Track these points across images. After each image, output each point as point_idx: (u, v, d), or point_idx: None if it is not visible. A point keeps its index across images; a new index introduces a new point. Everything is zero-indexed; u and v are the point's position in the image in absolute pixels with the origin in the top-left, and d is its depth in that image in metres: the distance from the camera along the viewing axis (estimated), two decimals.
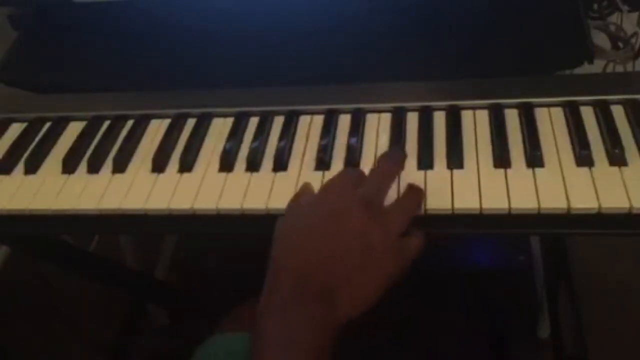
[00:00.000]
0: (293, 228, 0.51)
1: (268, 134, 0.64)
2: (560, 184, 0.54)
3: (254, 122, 0.66)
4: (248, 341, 0.66)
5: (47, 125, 0.70)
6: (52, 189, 0.62)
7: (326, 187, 0.54)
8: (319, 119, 0.65)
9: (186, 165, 0.62)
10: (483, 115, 0.62)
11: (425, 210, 0.54)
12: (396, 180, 0.57)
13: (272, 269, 0.50)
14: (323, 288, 0.48)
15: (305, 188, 0.57)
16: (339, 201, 0.51)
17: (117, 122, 0.69)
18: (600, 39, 0.74)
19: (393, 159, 0.57)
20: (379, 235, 0.49)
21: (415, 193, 0.54)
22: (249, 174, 0.61)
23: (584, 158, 0.56)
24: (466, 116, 0.62)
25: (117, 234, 1.21)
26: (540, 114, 0.61)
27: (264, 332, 0.47)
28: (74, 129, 0.69)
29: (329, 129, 0.63)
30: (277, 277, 0.49)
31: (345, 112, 0.65)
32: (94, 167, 0.64)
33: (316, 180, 0.58)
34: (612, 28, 0.75)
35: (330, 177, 0.58)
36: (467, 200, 0.54)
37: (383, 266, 0.49)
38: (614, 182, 0.54)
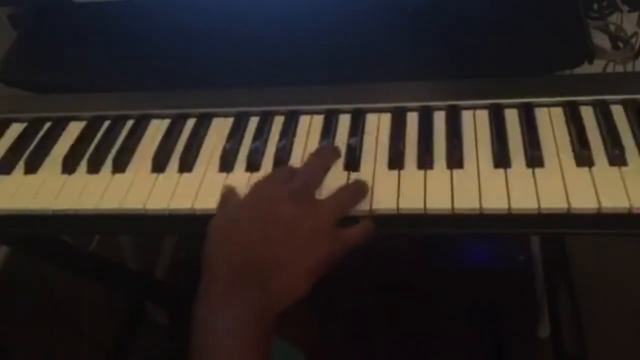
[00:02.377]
0: (224, 224, 0.53)
1: (268, 134, 0.64)
2: (560, 184, 0.54)
3: (254, 122, 0.66)
4: None
5: (47, 125, 0.70)
6: (52, 189, 0.62)
7: (255, 184, 0.56)
8: (319, 119, 0.65)
9: (186, 165, 0.62)
10: (483, 115, 0.62)
11: (425, 210, 0.54)
12: (397, 178, 0.57)
13: (206, 266, 0.51)
14: (257, 276, 0.49)
15: (230, 189, 0.58)
16: (267, 194, 0.53)
17: (117, 122, 0.69)
18: (600, 39, 0.74)
19: (320, 155, 0.59)
20: (309, 221, 0.51)
21: (354, 186, 0.56)
22: (248, 174, 0.60)
23: (584, 158, 0.56)
24: (466, 116, 0.62)
25: (117, 234, 1.21)
26: (540, 114, 0.61)
27: (202, 324, 0.48)
28: (74, 129, 0.69)
29: (329, 129, 0.63)
30: (211, 272, 0.50)
31: (345, 112, 0.65)
32: (94, 167, 0.64)
33: None
34: (612, 28, 0.75)
35: (331, 176, 0.58)
36: (466, 200, 0.54)
37: (315, 250, 0.51)
38: (614, 182, 0.54)
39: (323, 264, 0.51)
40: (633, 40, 0.75)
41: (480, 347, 1.18)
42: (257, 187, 0.55)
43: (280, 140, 0.63)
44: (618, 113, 0.60)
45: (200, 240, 0.53)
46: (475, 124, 0.61)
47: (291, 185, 0.54)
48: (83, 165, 0.64)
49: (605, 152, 0.56)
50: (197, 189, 0.59)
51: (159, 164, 0.63)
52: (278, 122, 0.65)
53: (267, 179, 0.56)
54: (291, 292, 0.50)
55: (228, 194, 0.57)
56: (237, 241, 0.51)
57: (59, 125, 0.70)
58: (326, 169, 0.58)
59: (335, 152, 0.60)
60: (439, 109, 0.63)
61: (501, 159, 0.57)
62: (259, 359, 0.47)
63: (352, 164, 0.59)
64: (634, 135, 0.58)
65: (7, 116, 0.72)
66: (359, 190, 0.56)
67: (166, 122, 0.68)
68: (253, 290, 0.49)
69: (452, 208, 0.54)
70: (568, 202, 0.52)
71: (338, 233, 0.52)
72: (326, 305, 1.07)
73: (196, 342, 0.47)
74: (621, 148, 0.56)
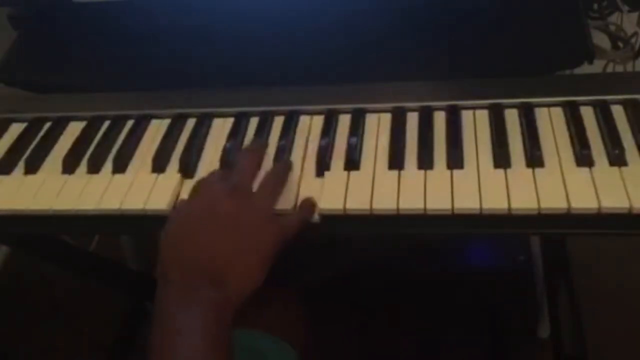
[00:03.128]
0: (173, 230, 0.54)
1: (268, 134, 0.64)
2: (560, 184, 0.54)
3: (254, 122, 0.66)
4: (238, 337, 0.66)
5: (47, 125, 0.70)
6: (52, 189, 0.62)
7: (194, 187, 0.57)
8: (319, 119, 0.65)
9: (186, 166, 0.62)
10: (483, 115, 0.62)
11: (425, 210, 0.54)
12: (397, 178, 0.57)
13: (160, 272, 0.51)
14: (209, 275, 0.50)
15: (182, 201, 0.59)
16: (207, 194, 0.54)
17: (117, 122, 0.69)
18: (600, 39, 0.74)
19: (252, 150, 0.61)
20: (250, 214, 0.53)
21: (276, 169, 0.59)
22: None
23: (584, 158, 0.56)
24: (466, 116, 0.62)
25: (117, 234, 1.21)
26: (540, 114, 0.61)
27: (160, 329, 0.48)
28: (74, 129, 0.69)
29: (329, 129, 0.63)
30: (164, 276, 0.51)
31: (345, 112, 0.65)
32: (94, 167, 0.64)
33: (317, 180, 0.58)
34: (612, 28, 0.75)
35: (331, 177, 0.58)
36: (467, 201, 0.54)
37: (261, 241, 0.52)
38: (614, 182, 0.54)
39: (271, 253, 0.52)
40: (633, 40, 0.75)
41: (480, 347, 1.18)
42: (196, 189, 0.56)
43: (280, 140, 0.63)
44: (618, 113, 0.60)
45: None
46: (475, 124, 0.61)
47: (229, 181, 0.55)
48: (83, 165, 0.64)
49: (605, 152, 0.56)
50: None
51: (159, 164, 0.63)
52: (278, 122, 0.65)
53: (205, 179, 0.57)
54: (246, 284, 0.51)
55: (179, 203, 0.59)
56: (184, 243, 0.52)
57: (59, 125, 0.70)
58: (259, 162, 0.60)
59: (263, 146, 0.62)
60: (439, 109, 0.63)
61: (501, 159, 0.57)
62: (221, 357, 0.47)
63: (352, 164, 0.59)
64: (634, 135, 0.58)
65: (7, 116, 0.72)
66: (282, 170, 0.59)
67: (166, 122, 0.68)
68: (207, 289, 0.49)
69: (452, 208, 0.54)
70: (568, 202, 0.52)
71: (278, 221, 0.54)
72: (324, 305, 1.07)
73: (155, 347, 0.48)
74: (621, 148, 0.56)
